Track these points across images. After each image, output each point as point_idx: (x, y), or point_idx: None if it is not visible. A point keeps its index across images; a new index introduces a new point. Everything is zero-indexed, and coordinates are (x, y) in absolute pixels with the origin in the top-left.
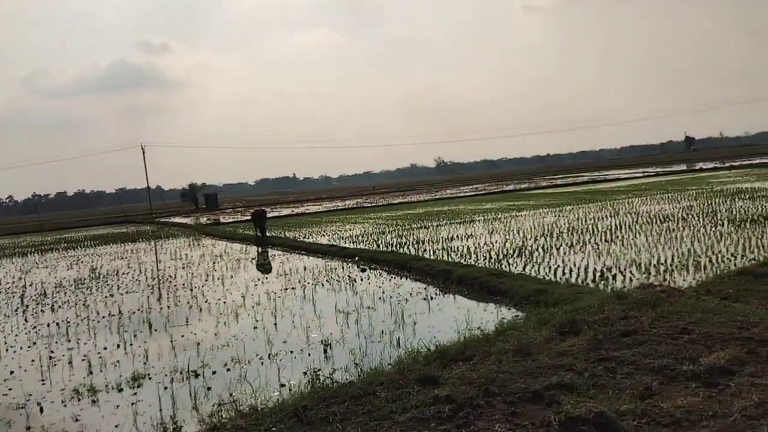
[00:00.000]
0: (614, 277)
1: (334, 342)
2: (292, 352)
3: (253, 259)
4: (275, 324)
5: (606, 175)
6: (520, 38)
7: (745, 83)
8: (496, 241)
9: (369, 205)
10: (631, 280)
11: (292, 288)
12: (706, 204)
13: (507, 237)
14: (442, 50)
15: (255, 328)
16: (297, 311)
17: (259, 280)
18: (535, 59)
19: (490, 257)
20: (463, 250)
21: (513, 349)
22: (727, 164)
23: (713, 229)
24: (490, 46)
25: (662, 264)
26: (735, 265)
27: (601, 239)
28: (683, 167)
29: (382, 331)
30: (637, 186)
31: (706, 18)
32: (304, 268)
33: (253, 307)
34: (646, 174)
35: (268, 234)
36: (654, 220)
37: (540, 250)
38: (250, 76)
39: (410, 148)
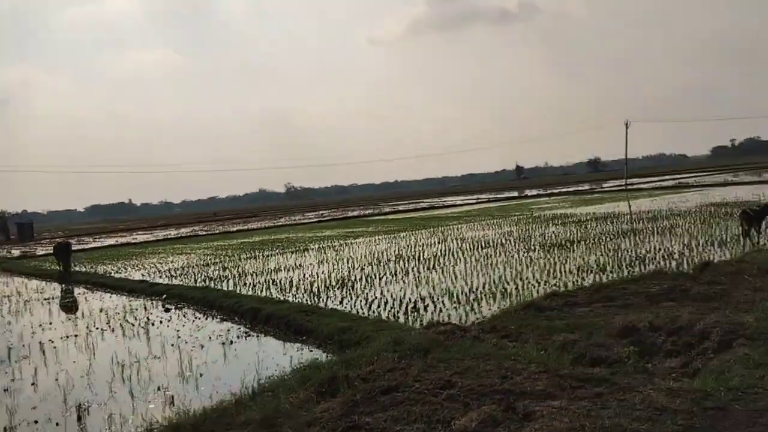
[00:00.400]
0: (426, 307)
1: (95, 405)
2: (37, 422)
3: (47, 299)
4: (34, 383)
5: (445, 201)
6: (365, 69)
7: (564, 119)
8: (322, 272)
9: (204, 233)
10: (441, 310)
11: (75, 335)
12: (524, 230)
13: (335, 267)
14: (291, 77)
15: (5, 390)
16: (68, 365)
17: (41, 326)
18: (382, 90)
19: (311, 290)
20: (285, 283)
21: (258, 419)
22: (548, 191)
23: (525, 255)
24: (338, 75)
25: (473, 292)
26: (538, 291)
27: (424, 267)
28: (514, 194)
29: (158, 387)
30: (469, 212)
31: (529, 58)
32: (101, 310)
33: (17, 361)
34: (479, 200)
35: (74, 269)
36: (476, 246)
37: (364, 280)
38: (79, 95)
39: (259, 173)
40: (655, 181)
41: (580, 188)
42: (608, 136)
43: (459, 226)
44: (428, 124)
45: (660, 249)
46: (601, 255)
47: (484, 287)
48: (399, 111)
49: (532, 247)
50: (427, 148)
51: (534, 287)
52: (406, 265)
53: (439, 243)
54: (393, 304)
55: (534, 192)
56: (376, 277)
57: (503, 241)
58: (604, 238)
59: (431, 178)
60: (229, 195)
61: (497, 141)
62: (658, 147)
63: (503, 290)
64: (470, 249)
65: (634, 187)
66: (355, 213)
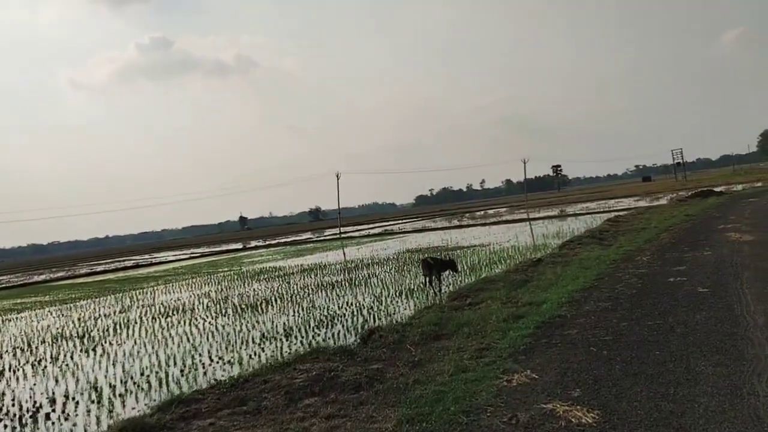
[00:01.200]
0: (48, 416)
1: None
2: None
3: None
4: None
5: (156, 257)
6: (69, 115)
7: (285, 169)
8: None
9: None
10: (68, 417)
11: None
12: (224, 289)
13: None
14: None
15: None
16: None
17: None
18: (89, 136)
19: None
20: None
21: None
22: (267, 242)
23: (212, 321)
24: (35, 122)
25: (126, 382)
26: (206, 374)
27: (83, 348)
28: (236, 245)
29: None
30: (176, 270)
31: (250, 113)
32: None
33: None
34: (193, 255)
35: None
36: (164, 314)
37: None
38: None
39: None
40: (365, 229)
41: (298, 238)
42: (327, 186)
43: (155, 288)
44: (144, 173)
45: (352, 303)
46: (293, 315)
47: (143, 374)
48: (109, 158)
49: (224, 311)
50: (143, 198)
51: (204, 368)
52: (63, 347)
53: (120, 312)
54: (9, 412)
55: (254, 243)
56: (9, 369)
57: (197, 304)
58: (302, 294)
59: (148, 231)
60: None
61: (219, 192)
62: (372, 197)
63: (162, 377)
64: (154, 318)
65: (347, 235)
66: (43, 277)
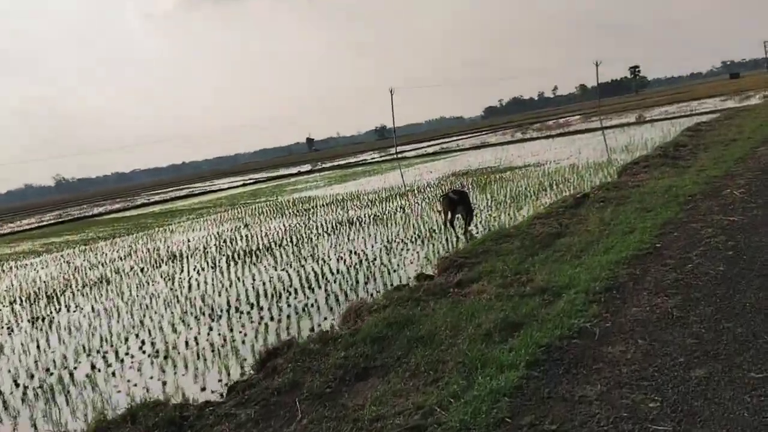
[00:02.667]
0: None
1: None
2: None
3: None
4: None
5: (211, 185)
6: (138, 49)
7: (351, 90)
8: None
9: None
10: None
11: None
12: (241, 227)
13: None
14: (55, 63)
15: None
16: None
17: None
18: (159, 66)
19: None
20: None
21: None
22: (321, 165)
23: (190, 278)
24: (109, 55)
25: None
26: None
27: (28, 319)
28: (290, 170)
29: None
30: (218, 200)
31: (317, 34)
32: None
33: None
34: (245, 182)
35: None
36: (157, 263)
37: None
38: None
39: (23, 167)
40: (423, 147)
41: (354, 160)
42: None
43: (180, 225)
44: (214, 100)
45: (357, 252)
46: (284, 269)
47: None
48: (177, 88)
49: (217, 262)
50: (213, 126)
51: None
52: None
53: (118, 260)
54: None
55: (307, 167)
56: None
57: (199, 248)
58: (313, 235)
59: (222, 156)
60: None
61: (287, 115)
62: (439, 111)
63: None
64: (142, 270)
65: (403, 155)
66: (103, 209)
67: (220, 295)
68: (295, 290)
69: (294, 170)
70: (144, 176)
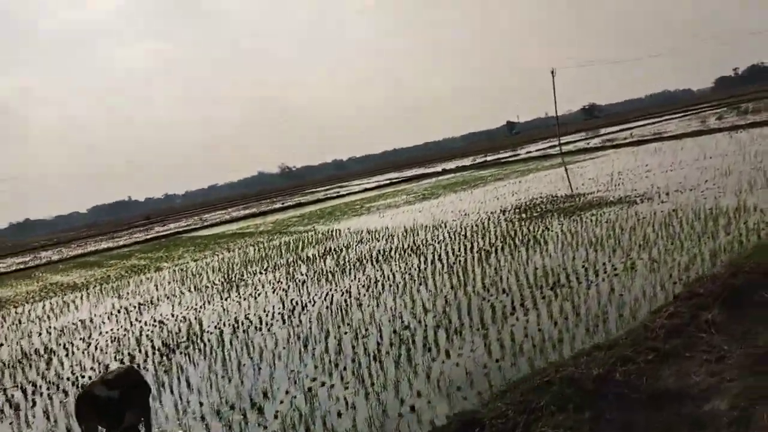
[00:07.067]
0: None
1: None
2: None
3: None
4: None
5: (359, 184)
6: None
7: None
8: None
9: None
10: None
11: None
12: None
13: None
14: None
15: None
16: None
17: None
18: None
19: None
20: None
21: None
22: (475, 161)
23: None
24: (328, 46)
25: None
26: None
27: None
28: (448, 165)
29: None
30: (312, 213)
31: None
32: None
33: None
34: (391, 181)
35: None
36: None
37: None
38: (74, 96)
39: (257, 156)
40: (612, 133)
41: (519, 152)
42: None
43: (215, 253)
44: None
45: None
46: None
47: None
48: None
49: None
50: (412, 107)
51: None
52: None
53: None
54: None
55: (460, 163)
56: None
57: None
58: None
59: (431, 141)
60: (227, 182)
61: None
62: (664, 84)
63: None
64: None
65: (572, 146)
66: (279, 205)
67: None
68: None
69: (452, 165)
70: (357, 164)
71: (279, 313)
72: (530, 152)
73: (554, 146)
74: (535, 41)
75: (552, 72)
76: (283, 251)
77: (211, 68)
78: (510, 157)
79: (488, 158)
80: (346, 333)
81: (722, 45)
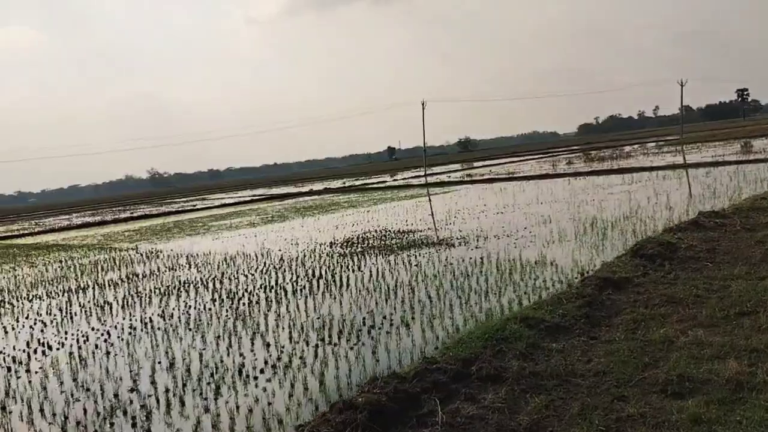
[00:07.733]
0: None
1: None
2: None
3: None
4: None
5: (229, 198)
6: (241, 50)
7: (436, 99)
8: None
9: None
10: None
11: None
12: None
13: None
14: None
15: None
16: None
17: None
18: (257, 68)
19: None
20: None
21: None
22: (344, 184)
23: None
24: (212, 56)
25: None
26: None
27: None
28: (323, 186)
29: None
30: (160, 225)
31: (405, 39)
32: None
33: None
34: (254, 198)
35: None
36: None
37: None
38: None
39: (123, 159)
40: (476, 168)
41: (391, 178)
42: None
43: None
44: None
45: None
46: None
47: None
48: (275, 87)
49: None
50: (301, 126)
51: None
52: None
53: None
54: None
55: (333, 185)
56: None
57: None
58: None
59: (312, 159)
60: (90, 183)
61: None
62: (533, 124)
63: None
64: None
65: (434, 179)
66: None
67: None
68: None
69: (321, 186)
70: (234, 174)
71: (23, 351)
72: (396, 179)
73: (420, 176)
74: (411, 74)
75: (422, 104)
76: (85, 272)
77: (81, 64)
78: (376, 183)
79: (356, 183)
80: (64, 392)
81: (588, 95)
